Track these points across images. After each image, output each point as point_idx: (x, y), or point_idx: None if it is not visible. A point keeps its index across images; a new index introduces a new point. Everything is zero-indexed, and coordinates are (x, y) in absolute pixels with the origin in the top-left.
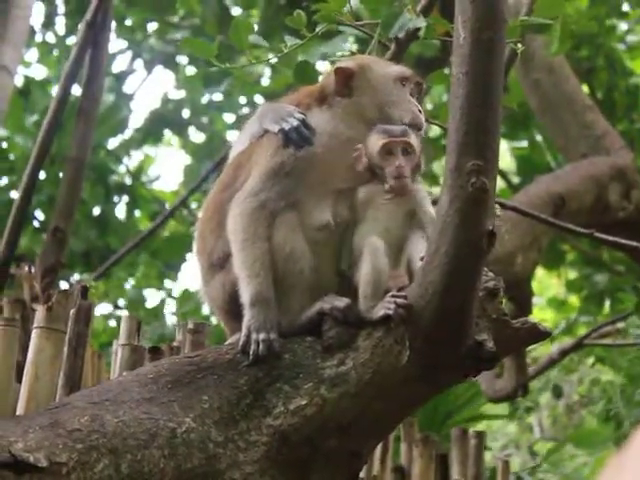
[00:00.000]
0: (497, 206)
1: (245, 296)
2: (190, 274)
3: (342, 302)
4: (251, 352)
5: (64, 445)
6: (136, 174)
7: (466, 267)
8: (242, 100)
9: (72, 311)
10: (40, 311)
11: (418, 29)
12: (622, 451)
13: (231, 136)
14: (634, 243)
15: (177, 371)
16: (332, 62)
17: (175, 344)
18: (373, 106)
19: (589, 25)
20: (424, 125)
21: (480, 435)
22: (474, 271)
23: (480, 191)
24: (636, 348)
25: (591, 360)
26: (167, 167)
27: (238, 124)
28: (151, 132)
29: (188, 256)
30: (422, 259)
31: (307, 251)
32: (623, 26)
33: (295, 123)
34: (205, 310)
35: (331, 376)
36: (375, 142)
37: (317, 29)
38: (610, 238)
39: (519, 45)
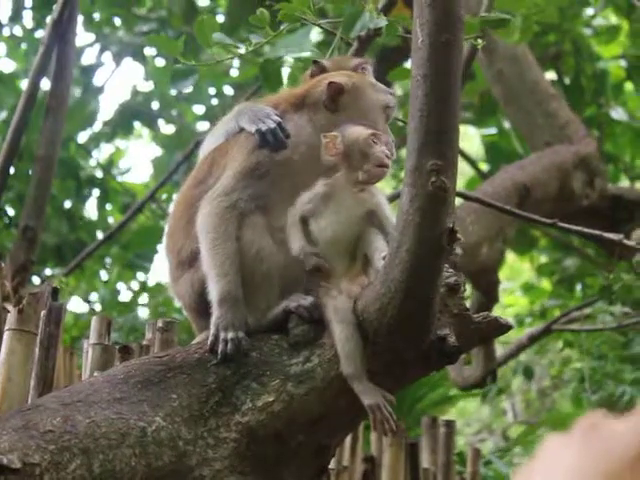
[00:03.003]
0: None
1: (213, 294)
2: (161, 266)
3: (307, 300)
4: (219, 351)
5: (37, 446)
6: (107, 167)
7: (427, 264)
8: (211, 91)
9: (43, 312)
10: (11, 313)
11: (380, 28)
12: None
13: (201, 127)
14: (596, 232)
15: (147, 371)
16: (299, 59)
17: (145, 342)
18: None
19: (552, 15)
20: (392, 146)
21: (450, 423)
22: (435, 268)
23: (440, 190)
24: (603, 332)
25: (560, 344)
26: (138, 159)
27: (208, 115)
28: (121, 125)
29: (159, 248)
30: (384, 258)
31: (274, 252)
32: (589, 11)
33: (272, 125)
34: (178, 303)
35: (297, 373)
36: (360, 131)
37: (281, 27)
38: (573, 227)
39: (479, 41)
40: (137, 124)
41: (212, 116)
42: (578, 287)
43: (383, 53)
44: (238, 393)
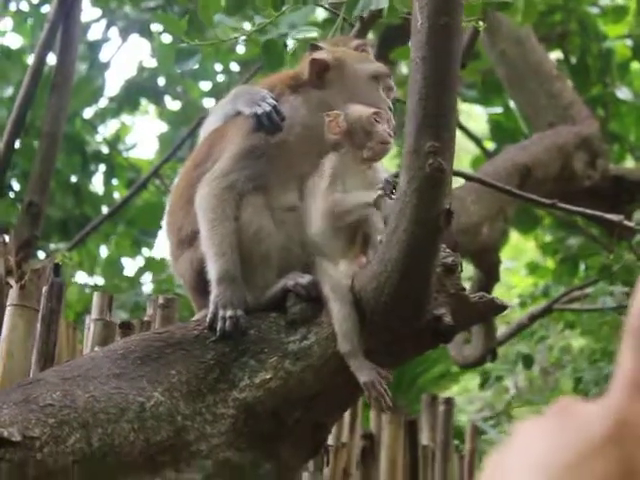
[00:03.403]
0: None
1: (212, 274)
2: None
3: (305, 279)
4: (218, 328)
5: (37, 420)
6: (112, 143)
7: (424, 244)
8: (218, 68)
9: (44, 288)
10: (13, 289)
11: (382, 8)
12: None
13: (207, 103)
14: (597, 212)
15: (146, 347)
16: (301, 41)
17: (146, 319)
18: (344, 101)
19: None
20: (393, 123)
21: (449, 401)
22: (432, 248)
23: (437, 171)
24: (604, 313)
25: (560, 326)
26: (144, 135)
27: (214, 92)
28: (127, 100)
29: (163, 224)
30: (381, 241)
31: (273, 231)
32: None
33: (267, 108)
34: (179, 281)
35: (295, 350)
36: (363, 109)
37: (284, 7)
38: (573, 208)
39: (480, 23)
40: (143, 100)
41: (218, 93)
42: (582, 267)
43: (387, 34)
44: (236, 370)
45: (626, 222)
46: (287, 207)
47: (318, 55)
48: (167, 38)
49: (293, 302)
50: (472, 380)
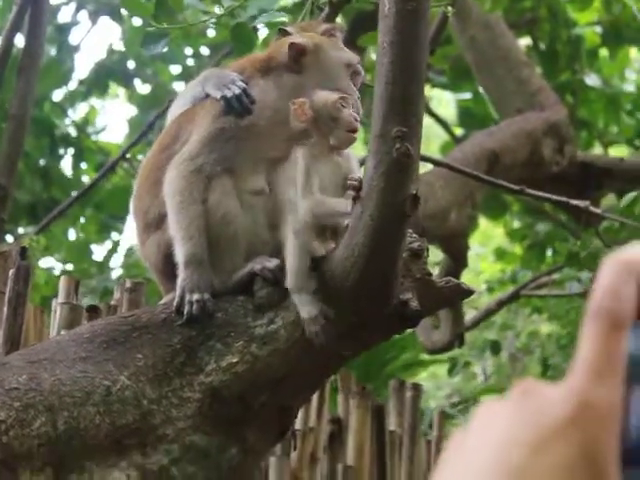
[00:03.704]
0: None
1: (179, 257)
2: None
3: (272, 263)
4: (185, 312)
5: (2, 403)
6: (82, 126)
7: (390, 229)
8: (188, 51)
9: (11, 271)
10: None
11: None
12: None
13: (177, 87)
14: (563, 198)
15: (112, 330)
16: (271, 26)
17: (113, 303)
18: (318, 86)
19: None
20: (360, 110)
21: (417, 387)
22: (398, 233)
23: (404, 156)
24: (571, 299)
25: (527, 312)
26: (113, 119)
27: (184, 75)
28: (96, 84)
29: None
30: (347, 226)
31: (240, 214)
32: None
33: (237, 91)
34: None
35: (261, 334)
36: (328, 95)
37: None
38: (540, 194)
39: (449, 8)
40: (113, 83)
41: (188, 76)
42: (549, 253)
43: (356, 19)
44: (202, 354)
45: (592, 208)
46: (255, 191)
47: (297, 39)
48: (137, 21)
49: (260, 286)
50: (441, 366)
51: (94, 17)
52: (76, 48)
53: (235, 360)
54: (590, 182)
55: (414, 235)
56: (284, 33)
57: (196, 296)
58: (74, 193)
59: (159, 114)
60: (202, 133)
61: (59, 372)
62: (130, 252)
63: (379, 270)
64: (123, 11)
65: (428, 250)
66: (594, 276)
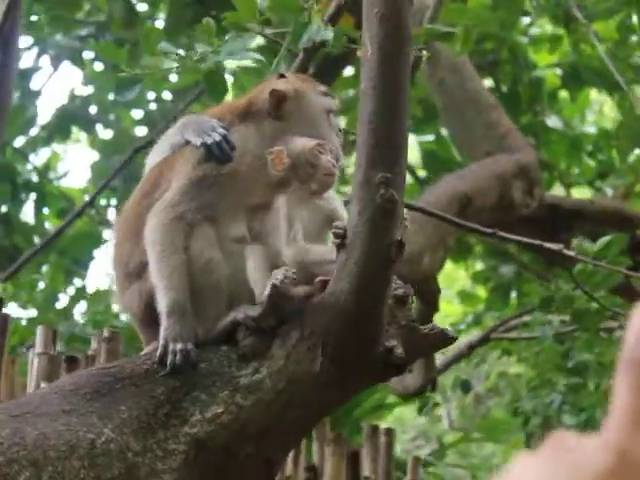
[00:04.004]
0: (405, 212)
1: (162, 306)
2: (99, 272)
3: (255, 311)
4: (168, 362)
5: None
6: (43, 171)
7: (376, 276)
8: (150, 96)
9: None
10: None
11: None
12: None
13: (139, 132)
14: (536, 241)
15: (95, 382)
16: (242, 67)
17: (90, 353)
18: (302, 133)
19: (494, 26)
20: (342, 158)
21: (390, 432)
22: (383, 279)
23: (389, 202)
24: (540, 341)
25: (497, 353)
26: (75, 164)
27: (146, 120)
28: (58, 129)
29: (96, 254)
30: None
31: (223, 262)
32: (526, 19)
33: (217, 138)
34: (115, 308)
35: (246, 384)
36: (305, 142)
37: (226, 36)
38: (512, 237)
39: (424, 52)
40: (74, 128)
41: (150, 121)
42: (513, 295)
43: (324, 61)
44: (187, 404)
45: (565, 251)
46: (236, 238)
47: (277, 86)
48: (99, 66)
49: (244, 335)
50: (406, 409)
51: (56, 62)
52: (38, 93)
53: (220, 410)
54: (559, 224)
55: (398, 281)
56: (282, 77)
57: (179, 346)
58: (36, 239)
59: (124, 162)
60: (182, 180)
61: (42, 426)
62: (95, 298)
63: (365, 317)
64: (85, 55)
65: (413, 297)
66: (568, 319)
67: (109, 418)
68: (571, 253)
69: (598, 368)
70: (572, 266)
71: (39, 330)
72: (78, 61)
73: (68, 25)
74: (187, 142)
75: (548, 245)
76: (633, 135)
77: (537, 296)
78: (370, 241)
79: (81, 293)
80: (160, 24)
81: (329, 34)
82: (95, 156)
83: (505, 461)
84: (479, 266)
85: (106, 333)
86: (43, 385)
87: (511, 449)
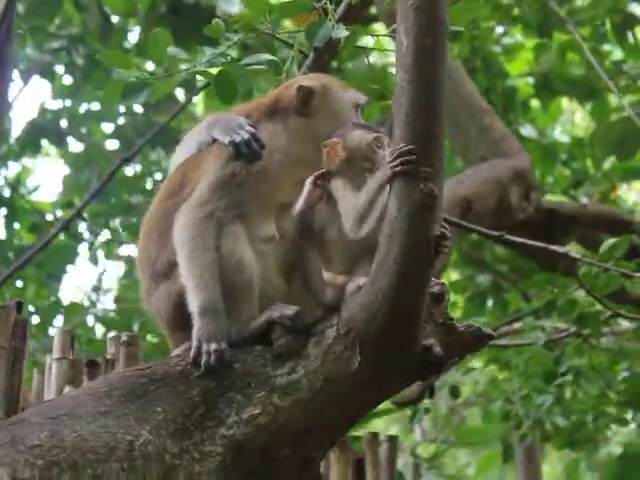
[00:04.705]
0: (449, 230)
1: (194, 306)
2: (72, 285)
3: (291, 310)
4: (202, 363)
5: (25, 461)
6: (14, 185)
7: (415, 272)
8: (121, 109)
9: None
10: None
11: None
12: None
13: (110, 145)
14: (541, 244)
15: (129, 384)
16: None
17: (109, 357)
18: (329, 129)
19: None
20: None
21: (393, 439)
22: (423, 276)
23: (429, 197)
24: (532, 348)
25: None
26: (45, 178)
27: (117, 134)
28: (29, 143)
29: (69, 268)
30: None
31: (254, 261)
32: (499, 29)
33: (246, 136)
34: (90, 322)
35: (282, 384)
36: (363, 135)
37: (235, 38)
38: (519, 240)
39: None
40: (45, 142)
41: (121, 135)
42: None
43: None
44: (223, 406)
45: (572, 254)
46: (265, 237)
47: (304, 82)
48: (68, 79)
49: (279, 334)
50: (377, 420)
51: (26, 76)
52: (10, 106)
53: (257, 411)
54: (556, 229)
55: (434, 279)
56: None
57: (213, 346)
58: (10, 254)
59: (113, 172)
60: (210, 179)
61: (80, 428)
62: (72, 311)
63: (404, 315)
64: (58, 70)
65: (448, 294)
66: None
67: (146, 420)
68: (577, 255)
69: (589, 373)
70: (575, 270)
71: (57, 335)
72: (48, 74)
73: (42, 37)
74: (214, 140)
75: (554, 248)
76: (607, 143)
77: (516, 303)
78: (410, 236)
79: (59, 307)
80: (134, 36)
81: (343, 32)
82: (65, 170)
83: (482, 471)
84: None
85: (124, 337)
86: (67, 389)
87: (487, 459)
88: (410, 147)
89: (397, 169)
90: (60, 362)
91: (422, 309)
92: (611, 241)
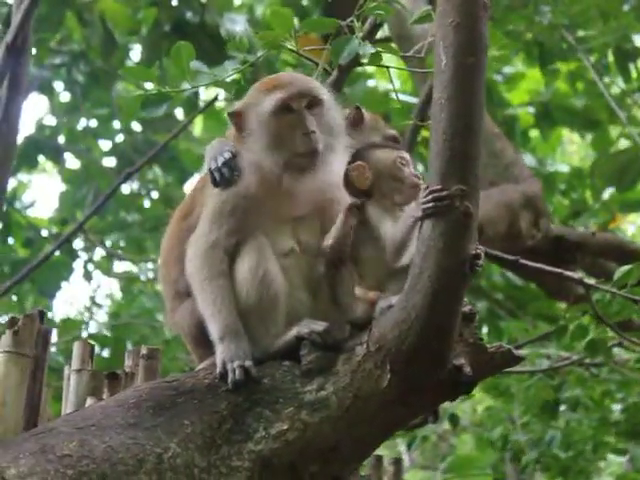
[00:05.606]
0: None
1: (214, 332)
2: (66, 301)
3: (320, 326)
4: (229, 380)
5: (55, 471)
6: (10, 201)
7: (449, 291)
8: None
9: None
10: (7, 335)
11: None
12: None
13: (107, 163)
14: (557, 270)
15: (157, 396)
16: None
17: (127, 370)
18: (263, 146)
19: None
20: (320, 146)
21: (398, 461)
22: (457, 295)
23: (464, 216)
24: (533, 376)
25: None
26: (41, 193)
27: (114, 151)
28: (26, 158)
29: (63, 284)
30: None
31: (279, 274)
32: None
33: (220, 162)
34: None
35: (311, 401)
36: (386, 156)
37: (259, 54)
38: (534, 264)
39: None
40: (41, 158)
41: (119, 152)
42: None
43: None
44: (250, 420)
45: (586, 280)
46: (284, 252)
47: (234, 107)
48: (65, 96)
49: (308, 350)
50: None
51: (25, 92)
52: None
53: (285, 427)
54: (564, 256)
55: (464, 299)
56: (359, 112)
57: (237, 362)
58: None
59: (116, 188)
60: (208, 210)
61: (109, 439)
62: (66, 327)
63: (436, 334)
64: (57, 86)
65: (478, 314)
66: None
67: (174, 432)
68: (591, 282)
69: (589, 403)
70: (587, 297)
71: (76, 346)
72: (47, 90)
73: (43, 52)
74: None
75: (568, 273)
76: (608, 174)
77: (511, 330)
78: (444, 255)
79: (52, 324)
80: (136, 54)
81: (370, 48)
82: (61, 186)
83: None
84: None
85: (144, 350)
86: (90, 401)
87: None
88: (444, 192)
89: (429, 211)
90: (80, 373)
91: (455, 328)
92: (625, 268)
